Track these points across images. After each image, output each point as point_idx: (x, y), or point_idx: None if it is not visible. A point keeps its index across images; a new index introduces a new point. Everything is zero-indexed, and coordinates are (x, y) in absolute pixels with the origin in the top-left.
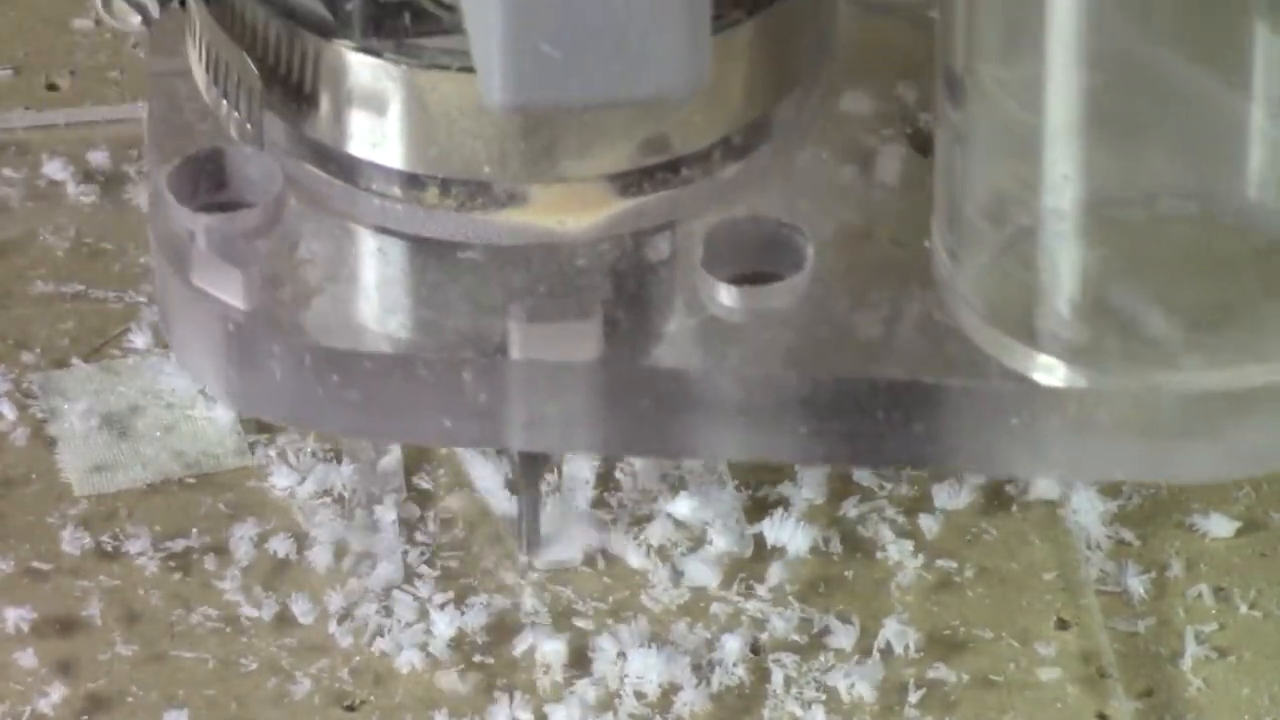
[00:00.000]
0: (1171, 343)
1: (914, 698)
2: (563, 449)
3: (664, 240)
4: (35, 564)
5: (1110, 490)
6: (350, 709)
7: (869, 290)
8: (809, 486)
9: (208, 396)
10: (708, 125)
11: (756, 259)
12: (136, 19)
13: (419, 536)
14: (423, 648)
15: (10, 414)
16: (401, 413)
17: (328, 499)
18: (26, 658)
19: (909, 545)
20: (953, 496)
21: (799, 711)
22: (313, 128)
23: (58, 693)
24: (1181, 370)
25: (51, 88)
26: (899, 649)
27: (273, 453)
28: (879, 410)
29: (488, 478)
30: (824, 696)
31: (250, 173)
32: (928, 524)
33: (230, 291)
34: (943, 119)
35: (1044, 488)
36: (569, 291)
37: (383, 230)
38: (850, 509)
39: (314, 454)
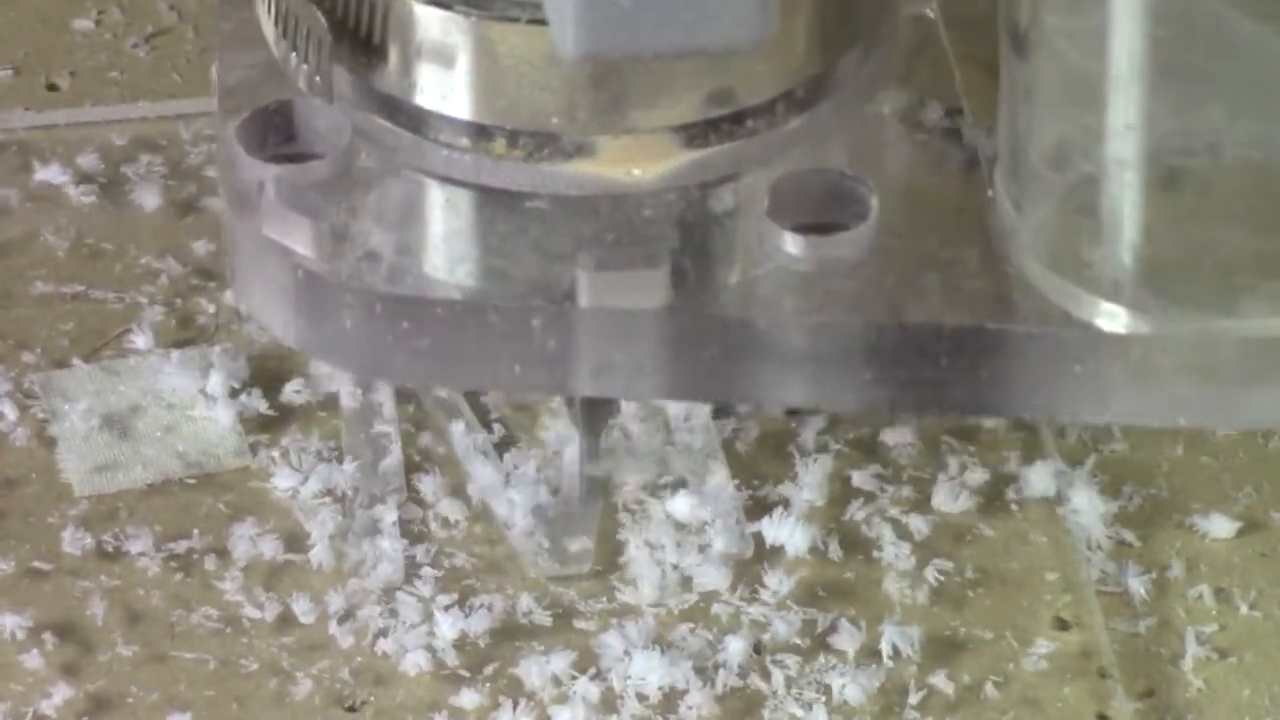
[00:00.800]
0: (1233, 290)
1: (914, 699)
2: (629, 396)
3: (729, 191)
4: (36, 564)
5: (1110, 490)
6: (351, 709)
7: (933, 239)
8: (809, 487)
9: (208, 396)
10: (772, 78)
11: (820, 210)
12: None
13: (420, 537)
14: (425, 649)
15: (10, 414)
16: (471, 360)
17: (328, 499)
18: (28, 658)
19: (909, 546)
20: (953, 497)
21: (799, 712)
22: (381, 80)
23: (59, 693)
24: (1243, 317)
25: (51, 88)
26: (899, 649)
27: (274, 453)
28: (943, 357)
29: (488, 478)
30: (824, 697)
31: (319, 125)
32: (928, 524)
33: (300, 241)
34: (1007, 70)
35: (1044, 487)
36: (636, 241)
37: (450, 181)
38: (850, 510)
39: (315, 454)
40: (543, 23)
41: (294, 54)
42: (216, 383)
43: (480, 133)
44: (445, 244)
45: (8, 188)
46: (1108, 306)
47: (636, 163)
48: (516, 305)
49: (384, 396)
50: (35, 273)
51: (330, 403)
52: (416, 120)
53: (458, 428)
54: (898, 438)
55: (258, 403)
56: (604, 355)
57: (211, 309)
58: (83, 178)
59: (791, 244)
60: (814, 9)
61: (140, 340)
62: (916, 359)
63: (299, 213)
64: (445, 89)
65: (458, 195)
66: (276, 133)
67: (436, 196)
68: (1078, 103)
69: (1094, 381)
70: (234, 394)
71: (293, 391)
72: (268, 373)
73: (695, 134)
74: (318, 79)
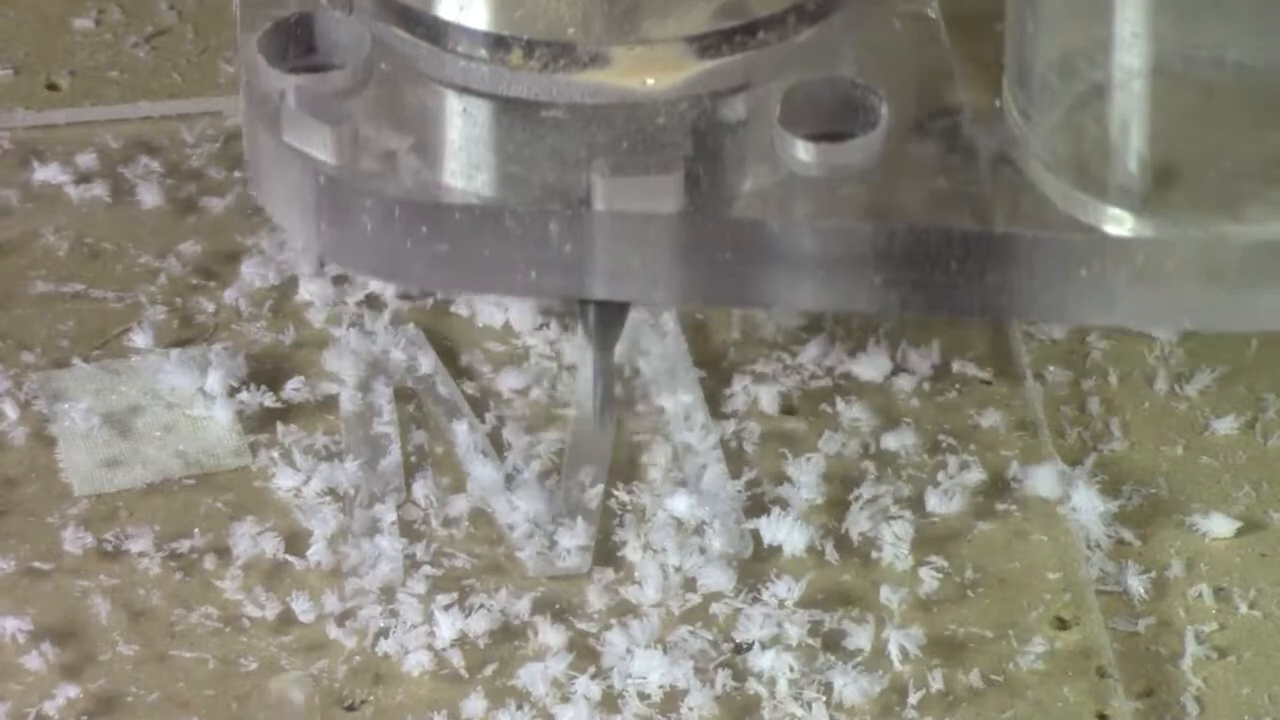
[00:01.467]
0: (1237, 195)
1: (914, 698)
2: (643, 300)
3: (741, 100)
4: (36, 564)
5: (1110, 490)
6: (350, 709)
7: (941, 147)
8: (807, 487)
9: (207, 395)
10: None
11: (831, 119)
12: None
13: (420, 537)
14: (425, 649)
15: (10, 414)
16: (488, 265)
17: (328, 499)
18: (28, 659)
19: (908, 545)
20: (952, 496)
21: (799, 712)
22: None
23: (60, 693)
24: (1246, 221)
25: (51, 88)
26: (899, 649)
27: (274, 453)
28: (952, 261)
29: (488, 478)
30: (824, 697)
31: (339, 37)
32: (927, 524)
33: (321, 148)
34: None
35: (1044, 487)
36: (650, 147)
37: (468, 91)
38: (850, 510)
39: (315, 454)
40: None
41: None
42: (215, 382)
43: (498, 43)
44: (463, 151)
45: (8, 188)
46: (1114, 211)
47: (650, 72)
48: (533, 210)
49: (384, 397)
50: (35, 273)
51: (330, 402)
52: (435, 31)
53: (458, 427)
54: (898, 438)
55: (257, 401)
56: (619, 259)
57: (211, 309)
58: (82, 178)
59: (803, 151)
60: None
61: (140, 340)
62: (926, 263)
63: (319, 120)
64: (463, 0)
65: (475, 104)
66: (297, 44)
67: (454, 105)
68: (1085, 11)
69: (1100, 285)
70: (233, 393)
71: (292, 390)
72: (267, 371)
73: (708, 44)
74: None
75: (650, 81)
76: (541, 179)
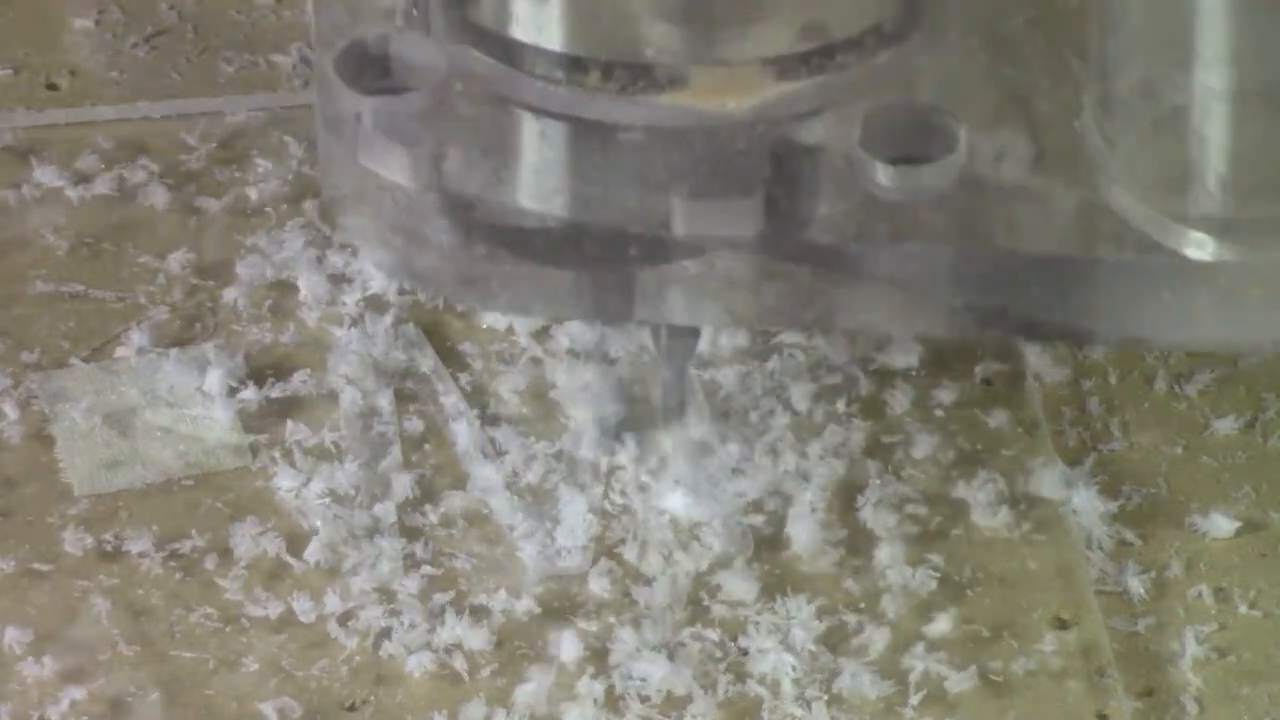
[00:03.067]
0: None
1: (915, 698)
2: (722, 324)
3: (820, 123)
4: (36, 564)
5: (1110, 490)
6: (350, 709)
7: (1022, 170)
8: (809, 487)
9: (207, 395)
10: (862, 11)
11: (910, 143)
12: None
13: (420, 536)
14: (425, 648)
15: (10, 414)
16: (565, 288)
17: (329, 499)
18: (28, 659)
19: (908, 545)
20: (953, 496)
21: (799, 711)
22: (477, 13)
23: (60, 694)
24: None
25: (51, 88)
26: (900, 649)
27: (274, 453)
28: (1033, 285)
29: (488, 478)
30: (824, 696)
31: (414, 58)
32: (928, 524)
33: (397, 170)
34: (1095, 1)
35: (1044, 487)
36: (730, 171)
37: (545, 113)
38: (850, 509)
39: (315, 454)
40: None
41: None
42: (215, 382)
43: (575, 65)
44: (540, 174)
45: (7, 188)
46: (1195, 235)
47: (729, 95)
48: (612, 233)
49: (384, 397)
50: (35, 273)
51: (330, 401)
52: (512, 53)
53: (458, 428)
54: (898, 437)
55: (257, 401)
56: (698, 283)
57: (211, 308)
58: (82, 178)
59: (883, 174)
60: None
61: (140, 340)
62: (1005, 287)
63: (396, 142)
64: (540, 21)
65: (552, 126)
66: (373, 65)
67: (531, 127)
68: (1166, 34)
69: (1182, 308)
70: (232, 393)
71: (292, 390)
72: (267, 371)
73: (787, 67)
74: (414, 12)
75: (728, 104)
76: (620, 202)
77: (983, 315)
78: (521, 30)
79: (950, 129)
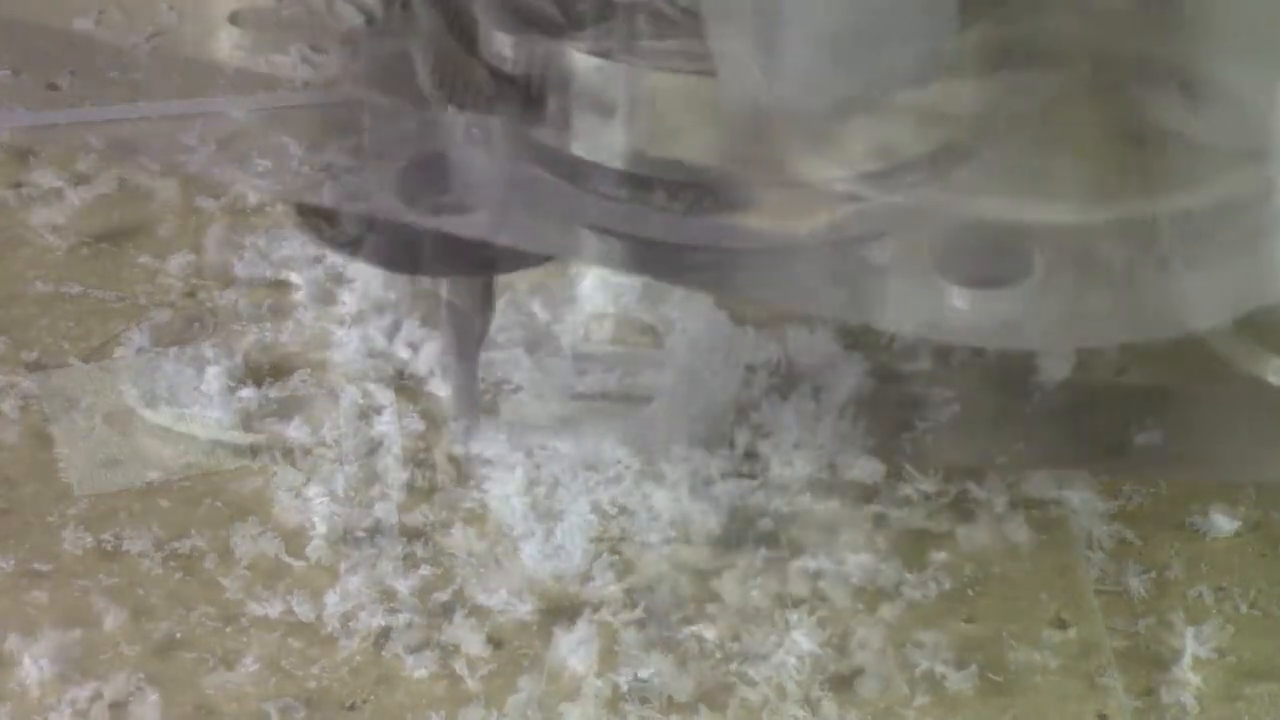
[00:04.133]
0: None
1: (915, 699)
2: (792, 449)
3: (890, 244)
4: (36, 564)
5: (1110, 490)
6: (350, 709)
7: (1098, 295)
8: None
9: (206, 395)
10: (930, 132)
11: (984, 264)
12: (360, 18)
13: (420, 536)
14: (424, 648)
15: (10, 414)
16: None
17: (329, 499)
18: (28, 659)
19: (908, 545)
20: (953, 496)
21: (801, 712)
22: (539, 130)
23: (60, 693)
24: None
25: (51, 88)
26: (900, 650)
27: (274, 452)
28: (1117, 415)
29: (488, 478)
30: (824, 696)
31: (473, 176)
32: (928, 523)
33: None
34: (1172, 124)
35: (1044, 487)
36: (797, 295)
37: (608, 231)
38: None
39: (315, 453)
40: (706, 74)
41: (450, 102)
42: (215, 381)
43: (640, 184)
44: (602, 294)
45: (7, 188)
46: (1277, 362)
47: (797, 215)
48: (678, 356)
49: (384, 397)
50: (35, 273)
51: (330, 401)
52: (574, 171)
53: (459, 427)
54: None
55: (256, 401)
56: (770, 411)
57: (210, 308)
58: (82, 178)
59: (958, 298)
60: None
61: (140, 340)
62: (1084, 416)
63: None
64: (604, 139)
65: (615, 246)
66: (431, 184)
67: (593, 246)
68: (1246, 156)
69: (1267, 436)
70: (232, 392)
71: (292, 389)
72: (266, 371)
73: (855, 187)
74: (474, 130)
75: (796, 225)
76: (686, 324)
77: (1067, 444)
78: (584, 148)
79: (1025, 251)
